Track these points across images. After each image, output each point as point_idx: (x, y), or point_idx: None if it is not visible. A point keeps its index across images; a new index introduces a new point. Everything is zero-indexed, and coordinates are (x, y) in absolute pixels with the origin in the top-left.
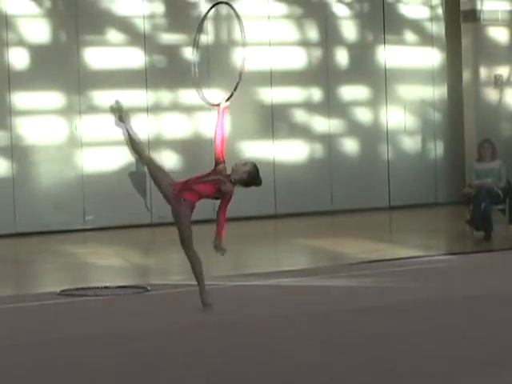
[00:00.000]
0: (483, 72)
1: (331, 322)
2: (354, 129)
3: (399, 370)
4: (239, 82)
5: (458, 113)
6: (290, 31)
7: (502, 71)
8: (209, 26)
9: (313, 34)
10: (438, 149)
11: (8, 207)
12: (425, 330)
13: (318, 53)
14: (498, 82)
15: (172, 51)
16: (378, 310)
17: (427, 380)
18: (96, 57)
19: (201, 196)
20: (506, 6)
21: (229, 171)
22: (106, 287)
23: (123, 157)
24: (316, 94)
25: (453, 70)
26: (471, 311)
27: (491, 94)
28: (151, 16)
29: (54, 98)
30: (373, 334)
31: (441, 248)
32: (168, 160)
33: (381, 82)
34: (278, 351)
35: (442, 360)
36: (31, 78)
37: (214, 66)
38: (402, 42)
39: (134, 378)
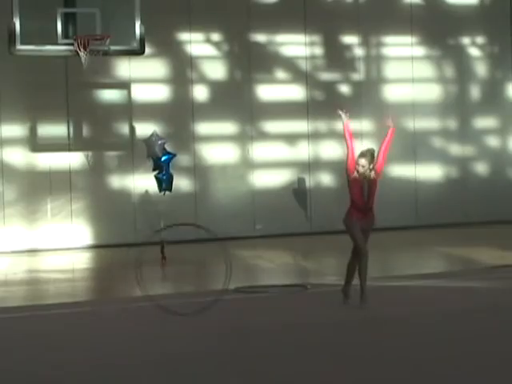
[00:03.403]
0: None
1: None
2: (485, 153)
3: None
4: None
5: None
6: (431, 70)
7: None
8: (361, 65)
9: (449, 72)
10: None
11: (191, 217)
12: None
13: (453, 88)
14: None
15: (329, 87)
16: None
17: None
18: (265, 92)
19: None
20: None
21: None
22: (273, 286)
23: (287, 176)
24: (452, 123)
25: None
26: None
27: None
28: (312, 57)
29: (230, 127)
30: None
31: None
32: (324, 178)
33: (509, 113)
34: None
35: None
36: (211, 110)
37: (365, 99)
38: None
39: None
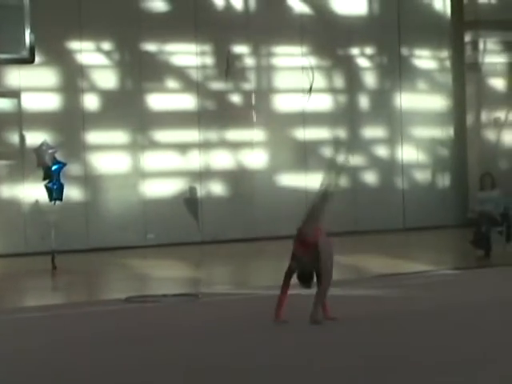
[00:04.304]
0: (484, 115)
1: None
2: (374, 163)
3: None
4: None
5: (462, 149)
6: (321, 80)
7: (501, 114)
8: (252, 75)
9: (339, 82)
10: (445, 180)
11: (82, 226)
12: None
13: (343, 98)
14: (497, 123)
15: (220, 96)
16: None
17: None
18: (156, 101)
19: None
20: (503, 60)
21: None
22: (164, 295)
23: (179, 185)
24: (341, 133)
25: (458, 113)
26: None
27: (491, 134)
28: (203, 67)
29: (121, 136)
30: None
31: (447, 264)
32: (215, 188)
33: (397, 123)
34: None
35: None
36: (102, 119)
37: (256, 109)
38: (415, 89)
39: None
